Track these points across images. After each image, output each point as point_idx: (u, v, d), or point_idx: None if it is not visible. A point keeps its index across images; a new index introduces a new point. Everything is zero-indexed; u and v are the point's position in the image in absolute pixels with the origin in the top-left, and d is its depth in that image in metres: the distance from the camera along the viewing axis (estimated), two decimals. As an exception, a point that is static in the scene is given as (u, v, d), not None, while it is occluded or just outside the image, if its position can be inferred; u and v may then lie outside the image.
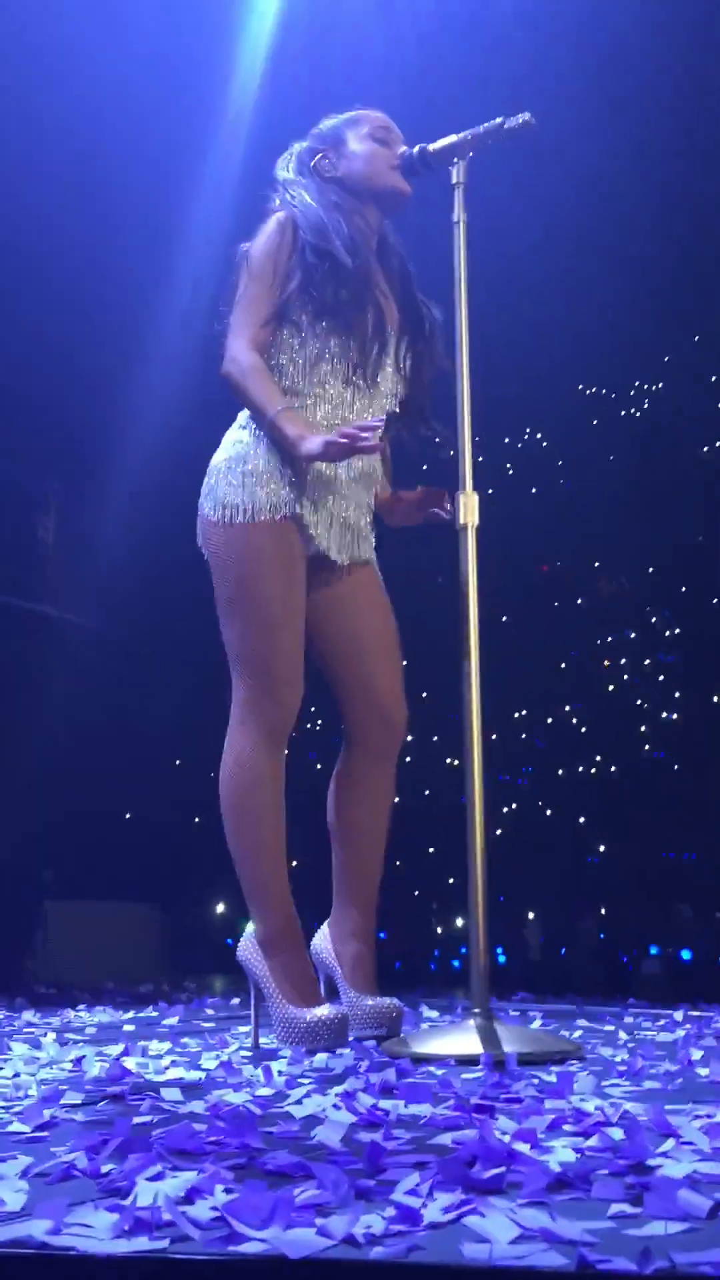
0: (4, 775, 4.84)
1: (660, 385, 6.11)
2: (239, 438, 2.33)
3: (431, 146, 2.36)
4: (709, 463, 5.79)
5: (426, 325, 2.46)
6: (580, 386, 6.30)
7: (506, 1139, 1.20)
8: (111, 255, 4.87)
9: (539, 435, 6.45)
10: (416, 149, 2.37)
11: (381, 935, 2.42)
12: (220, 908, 5.88)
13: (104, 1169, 1.09)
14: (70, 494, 5.95)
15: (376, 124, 2.43)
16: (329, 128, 2.46)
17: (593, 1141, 1.21)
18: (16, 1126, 1.34)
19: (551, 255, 5.20)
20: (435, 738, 5.62)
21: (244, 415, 2.35)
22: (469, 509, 2.23)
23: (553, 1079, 1.69)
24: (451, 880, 5.43)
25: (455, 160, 2.34)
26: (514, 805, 5.82)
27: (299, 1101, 1.49)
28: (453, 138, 2.34)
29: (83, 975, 4.44)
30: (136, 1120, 1.36)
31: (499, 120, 2.31)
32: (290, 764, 2.30)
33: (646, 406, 6.16)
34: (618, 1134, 1.23)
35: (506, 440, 6.33)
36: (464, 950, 3.46)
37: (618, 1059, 2.01)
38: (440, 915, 5.87)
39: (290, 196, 2.37)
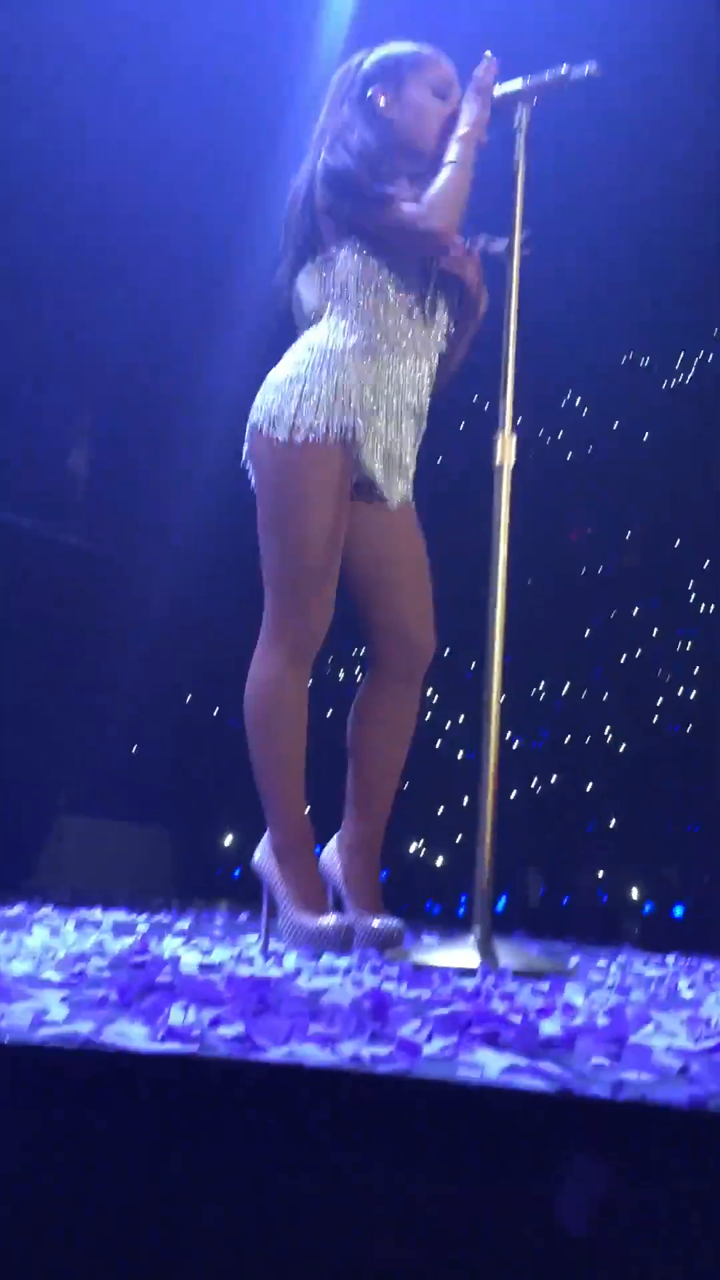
0: (27, 698, 4.97)
1: (710, 357, 6.13)
2: (300, 358, 2.35)
3: (494, 92, 2.35)
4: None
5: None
6: (624, 356, 6.33)
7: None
8: (158, 180, 4.94)
9: (578, 401, 6.49)
10: None
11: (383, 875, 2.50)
12: (229, 839, 6.02)
13: (138, 1000, 1.20)
14: (103, 424, 6.03)
15: (441, 77, 2.40)
16: (393, 58, 2.41)
17: (579, 1020, 1.31)
18: (50, 974, 1.45)
19: (606, 215, 5.21)
20: (441, 694, 5.71)
21: (307, 335, 2.39)
22: (506, 450, 2.27)
23: (545, 987, 1.79)
24: (459, 838, 5.54)
25: (519, 105, 2.32)
26: (525, 769, 5.92)
27: (308, 981, 1.60)
28: (515, 84, 2.33)
29: (95, 886, 4.58)
30: (160, 980, 1.47)
31: (563, 68, 2.28)
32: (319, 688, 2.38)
33: (690, 378, 6.20)
34: (603, 1020, 1.34)
35: (547, 405, 6.38)
36: (464, 898, 3.54)
37: (609, 982, 2.11)
38: (445, 873, 5.97)
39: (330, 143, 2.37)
